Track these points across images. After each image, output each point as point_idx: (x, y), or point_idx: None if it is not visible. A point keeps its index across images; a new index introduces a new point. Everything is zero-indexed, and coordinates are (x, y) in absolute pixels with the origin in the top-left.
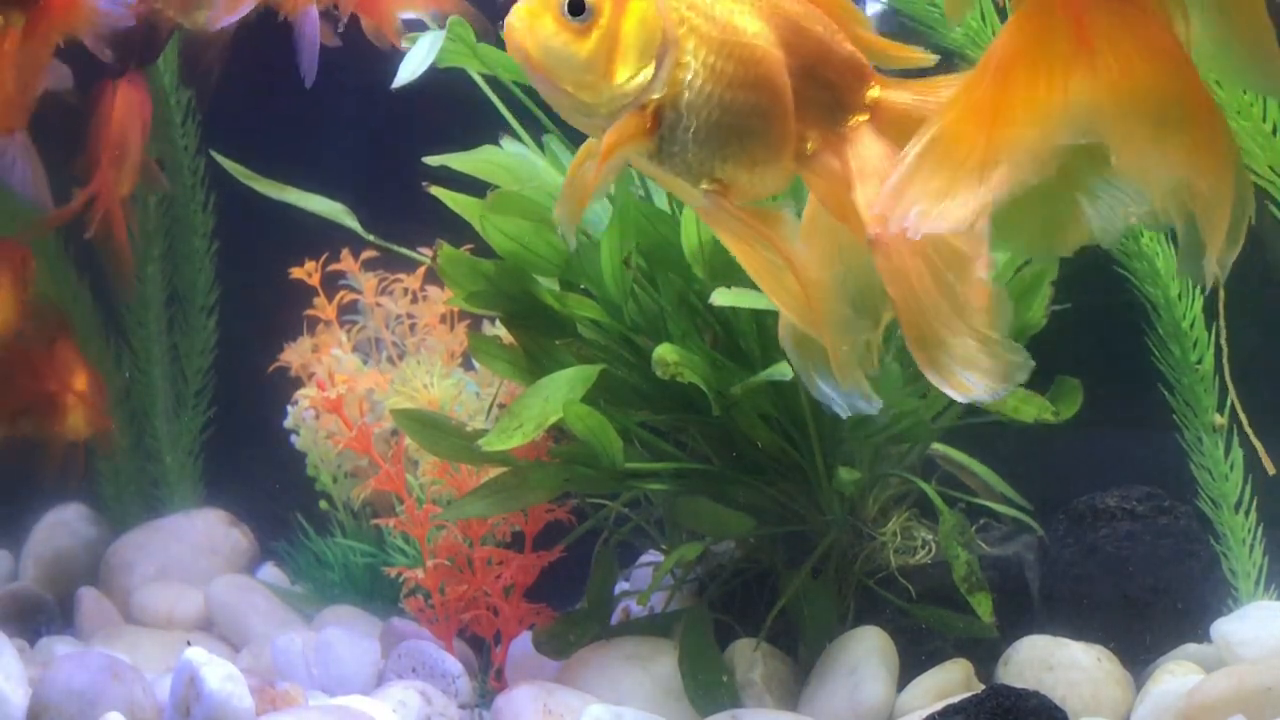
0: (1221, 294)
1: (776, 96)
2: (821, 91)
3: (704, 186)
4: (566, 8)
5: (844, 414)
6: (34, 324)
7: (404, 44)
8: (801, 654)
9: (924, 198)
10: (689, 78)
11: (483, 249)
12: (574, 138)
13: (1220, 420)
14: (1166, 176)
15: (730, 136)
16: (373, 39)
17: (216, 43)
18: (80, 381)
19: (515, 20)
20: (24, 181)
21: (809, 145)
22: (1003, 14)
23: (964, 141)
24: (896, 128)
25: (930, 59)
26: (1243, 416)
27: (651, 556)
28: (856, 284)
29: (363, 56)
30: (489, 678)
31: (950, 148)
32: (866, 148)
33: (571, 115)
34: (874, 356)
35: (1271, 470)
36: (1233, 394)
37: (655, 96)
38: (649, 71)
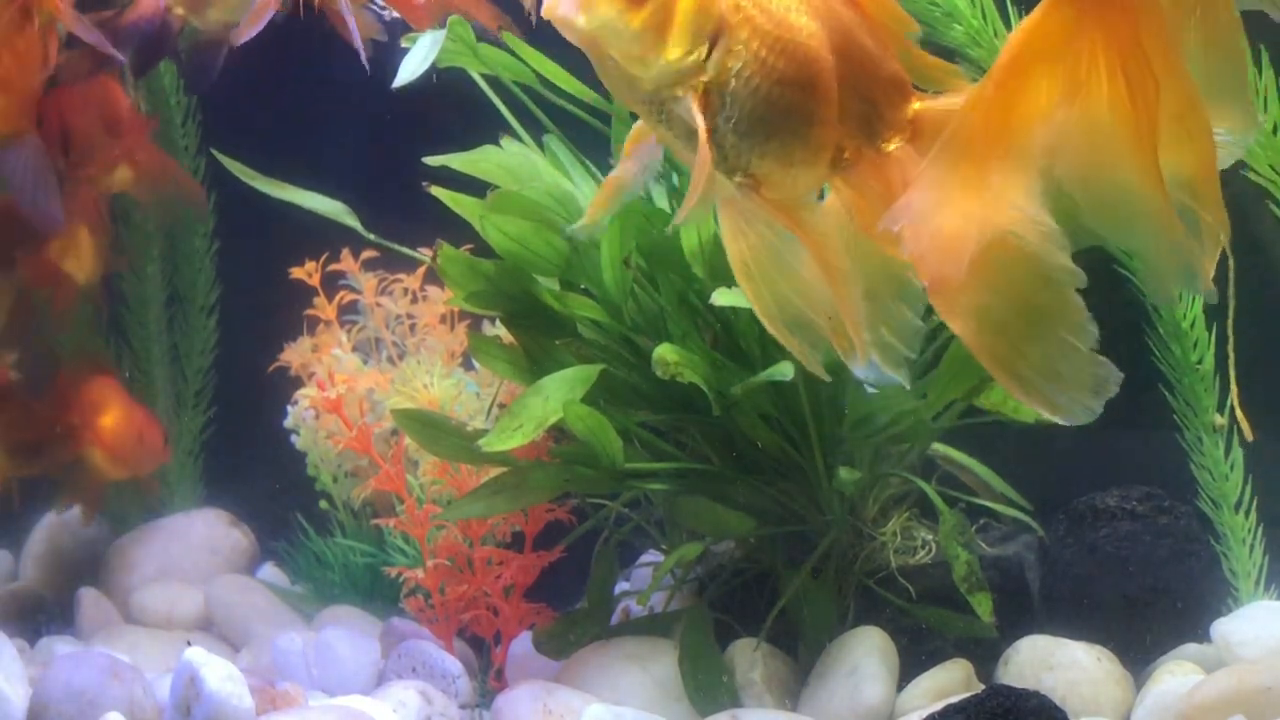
0: (1232, 295)
1: (822, 99)
2: (863, 104)
3: (737, 179)
4: None
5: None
6: (74, 363)
7: (404, 44)
8: (801, 654)
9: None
10: (738, 67)
11: (483, 249)
12: (574, 138)
13: (1220, 420)
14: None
15: (772, 132)
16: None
17: (221, 42)
18: (111, 419)
19: None
20: (37, 185)
21: (845, 155)
22: (1003, 14)
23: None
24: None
25: (966, 82)
26: (1239, 413)
27: (651, 556)
28: (882, 281)
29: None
30: (489, 678)
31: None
32: (912, 173)
33: (617, 87)
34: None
35: (1250, 436)
36: (1234, 394)
37: (703, 79)
38: (701, 53)
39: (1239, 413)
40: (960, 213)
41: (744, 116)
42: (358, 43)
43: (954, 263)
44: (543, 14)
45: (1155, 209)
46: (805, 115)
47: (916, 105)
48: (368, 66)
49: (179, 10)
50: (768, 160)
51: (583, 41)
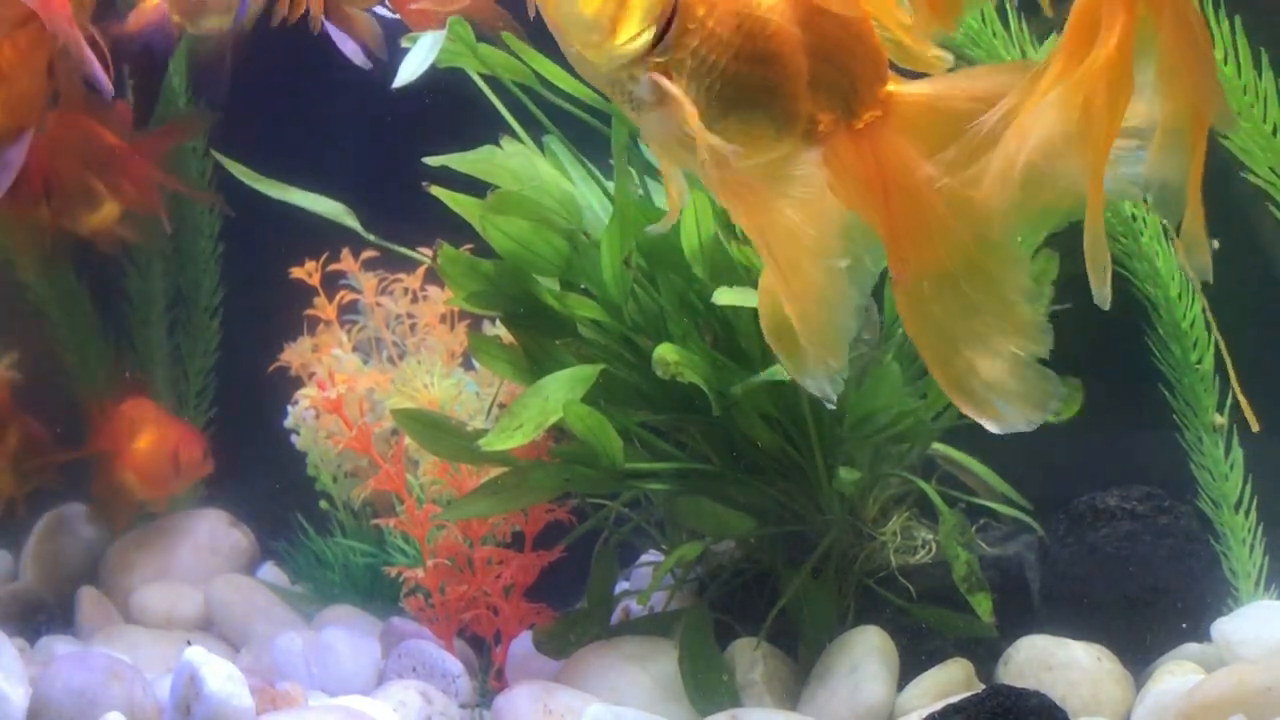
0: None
1: (785, 73)
2: (839, 76)
3: (701, 156)
4: None
5: (829, 400)
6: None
7: (404, 44)
8: (801, 654)
9: None
10: (695, 44)
11: (483, 249)
12: (574, 138)
13: (1220, 420)
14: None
15: (731, 108)
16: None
17: (224, 47)
18: (145, 442)
19: None
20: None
21: (820, 127)
22: (1002, 15)
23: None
24: (911, 124)
25: (947, 62)
26: (1244, 403)
27: (651, 556)
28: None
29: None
30: (489, 678)
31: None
32: (886, 152)
33: (583, 72)
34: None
35: (1256, 427)
36: (1236, 387)
37: (658, 60)
38: (650, 34)
39: (1244, 402)
40: None
41: (704, 92)
42: (349, 50)
43: None
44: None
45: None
46: (768, 89)
47: (891, 86)
48: (368, 65)
49: (176, 18)
50: (729, 136)
51: (547, 16)
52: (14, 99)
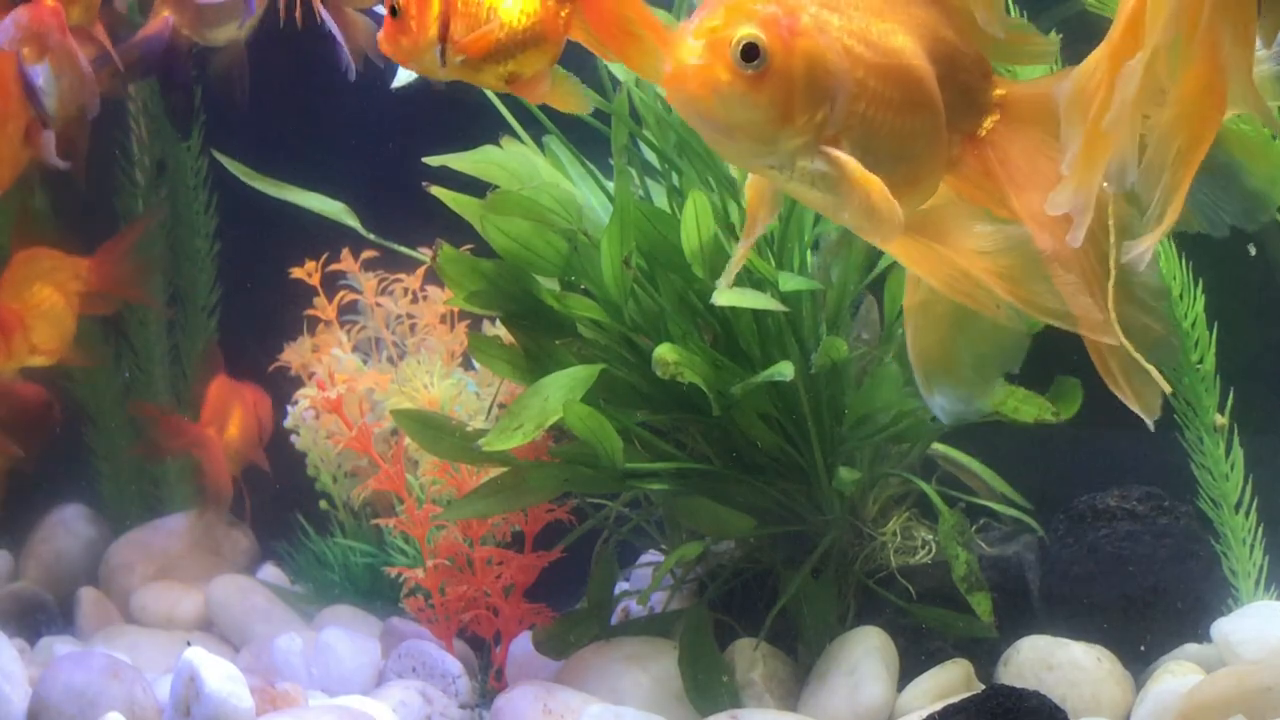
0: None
1: (935, 114)
2: (958, 96)
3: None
4: (740, 56)
5: (946, 420)
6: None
7: None
8: (801, 654)
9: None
10: (861, 108)
11: (483, 249)
12: (574, 138)
13: (1221, 420)
14: None
15: (898, 161)
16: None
17: (236, 54)
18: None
19: (685, 72)
20: None
21: (954, 150)
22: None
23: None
24: (1027, 122)
25: (1053, 46)
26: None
27: (651, 556)
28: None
29: (363, 57)
30: (489, 678)
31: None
32: (1009, 151)
33: (743, 160)
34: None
35: (1222, 422)
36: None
37: (830, 133)
38: (825, 112)
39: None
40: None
41: (870, 151)
42: (343, 57)
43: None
44: (665, 94)
45: None
46: (925, 134)
47: (999, 90)
48: (351, 72)
49: (184, 31)
50: (897, 184)
51: (707, 127)
52: None
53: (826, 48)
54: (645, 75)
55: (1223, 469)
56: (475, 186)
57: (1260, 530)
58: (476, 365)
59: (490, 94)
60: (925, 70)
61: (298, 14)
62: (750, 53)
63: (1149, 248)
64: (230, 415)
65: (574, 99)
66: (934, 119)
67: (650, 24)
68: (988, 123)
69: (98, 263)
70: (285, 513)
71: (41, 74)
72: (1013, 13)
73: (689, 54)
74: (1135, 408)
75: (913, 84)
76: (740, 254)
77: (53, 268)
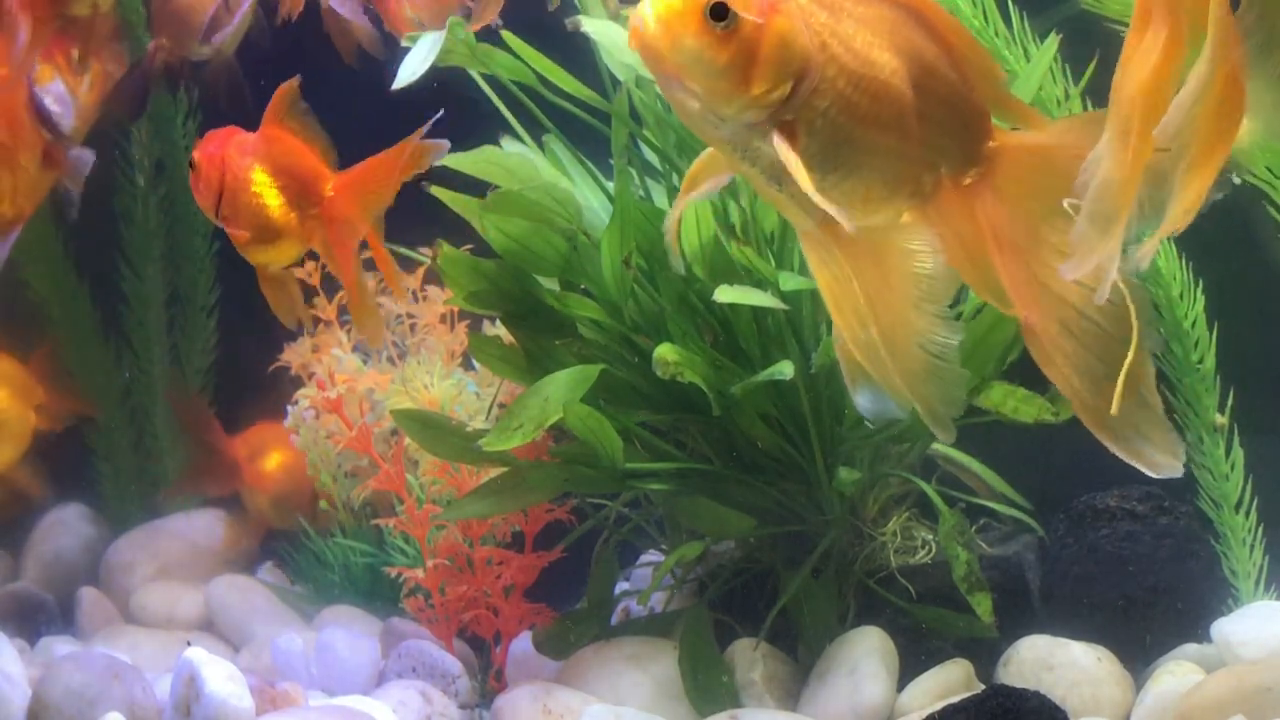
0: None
1: (902, 136)
2: (944, 138)
3: (816, 214)
4: (709, 11)
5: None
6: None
7: (404, 43)
8: (801, 654)
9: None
10: (824, 105)
11: (483, 249)
12: (574, 138)
13: (1221, 420)
14: None
15: (853, 169)
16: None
17: (230, 63)
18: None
19: (650, 17)
20: None
21: (925, 187)
22: (1004, 14)
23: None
24: (1016, 178)
25: (1043, 118)
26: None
27: (651, 556)
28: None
29: (363, 57)
30: (489, 678)
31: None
32: (997, 209)
33: (696, 122)
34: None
35: (1222, 422)
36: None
37: (787, 118)
38: (785, 89)
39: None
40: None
41: (825, 153)
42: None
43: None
44: (629, 44)
45: None
46: (885, 151)
47: (993, 143)
48: (355, 65)
49: (171, 47)
50: (845, 195)
51: (667, 73)
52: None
53: (800, 32)
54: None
55: (1223, 469)
56: (475, 186)
57: (1260, 530)
58: (476, 365)
59: (490, 94)
60: (901, 93)
61: (296, 7)
62: (719, 11)
63: (1152, 250)
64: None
65: (372, 329)
66: (900, 142)
67: (383, 260)
68: (972, 173)
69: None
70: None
71: (52, 94)
72: (1013, 13)
73: (661, 3)
74: (1151, 466)
75: (884, 100)
76: (674, 214)
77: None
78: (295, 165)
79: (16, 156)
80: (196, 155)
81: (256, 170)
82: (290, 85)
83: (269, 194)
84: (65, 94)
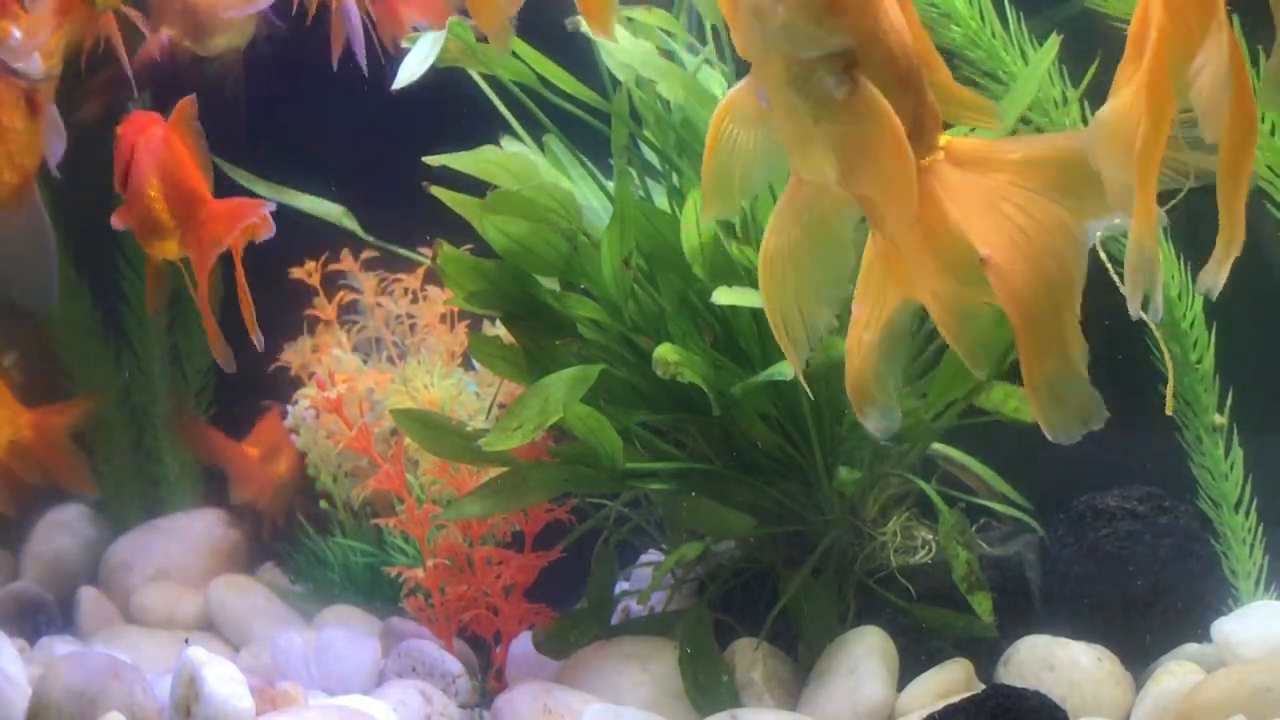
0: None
1: (904, 96)
2: (913, 121)
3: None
4: None
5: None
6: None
7: (404, 44)
8: (801, 654)
9: None
10: (877, 55)
11: (483, 249)
12: (574, 138)
13: (1220, 420)
14: None
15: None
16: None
17: (235, 65)
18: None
19: None
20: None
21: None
22: (1001, 15)
23: None
24: (970, 166)
25: (1000, 120)
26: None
27: (651, 556)
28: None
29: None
30: (489, 678)
31: None
32: (950, 177)
33: (773, 36)
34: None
35: (1221, 422)
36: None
37: (843, 60)
38: (867, 24)
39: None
40: None
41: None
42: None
43: None
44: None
45: None
46: (904, 114)
47: (944, 139)
48: (365, 67)
49: (185, 43)
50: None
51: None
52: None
53: None
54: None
55: (1222, 469)
56: (475, 186)
57: (1260, 530)
58: (476, 365)
59: (490, 94)
60: (915, 64)
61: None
62: None
63: (1225, 271)
64: (280, 452)
65: (221, 353)
66: (903, 103)
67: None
68: (929, 159)
69: (41, 419)
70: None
71: (10, 47)
72: (1010, 14)
73: None
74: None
75: (909, 65)
76: (708, 173)
77: None
78: (184, 177)
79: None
80: (119, 130)
81: (154, 170)
82: (190, 100)
83: (157, 194)
84: (25, 41)
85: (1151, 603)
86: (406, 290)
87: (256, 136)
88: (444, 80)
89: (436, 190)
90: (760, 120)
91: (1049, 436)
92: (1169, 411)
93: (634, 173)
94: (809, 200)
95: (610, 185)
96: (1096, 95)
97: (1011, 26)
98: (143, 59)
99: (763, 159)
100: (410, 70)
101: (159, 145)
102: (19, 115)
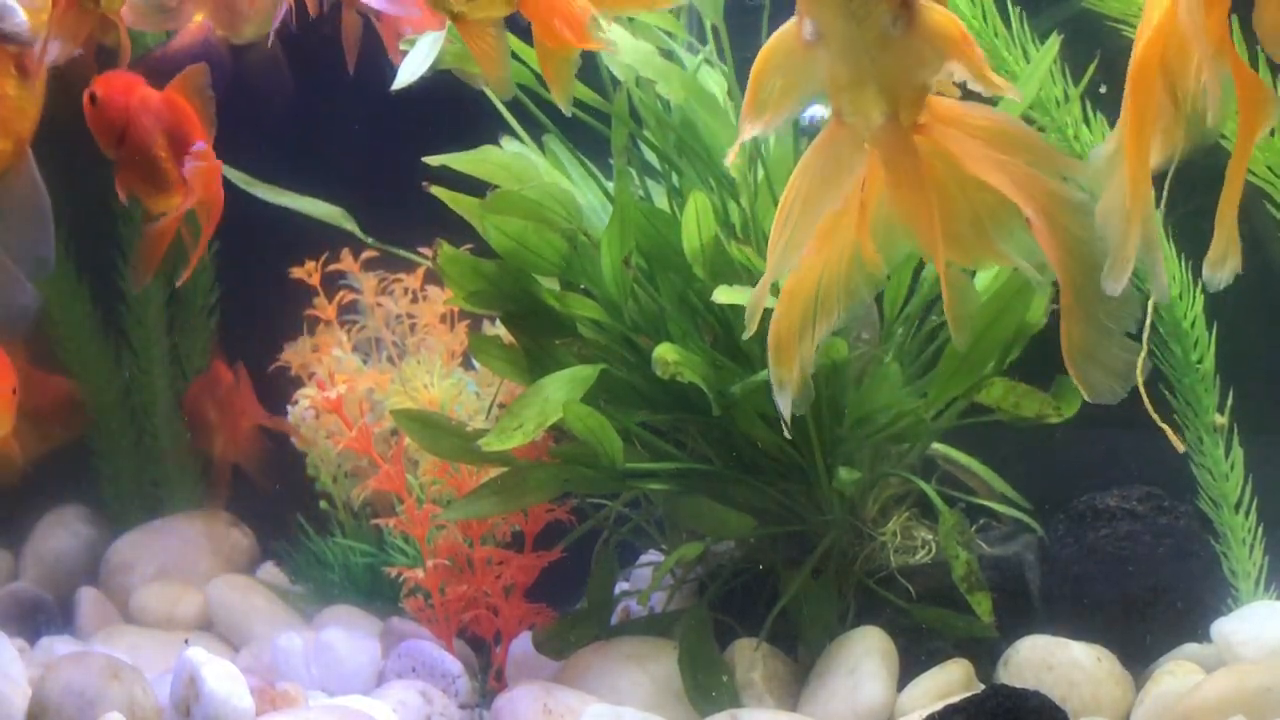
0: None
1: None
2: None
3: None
4: None
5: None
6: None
7: (403, 46)
8: (801, 654)
9: None
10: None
11: (483, 249)
12: (574, 138)
13: (1220, 420)
14: None
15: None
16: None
17: (275, 49)
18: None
19: None
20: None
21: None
22: (1003, 14)
23: None
24: (955, 124)
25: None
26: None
27: (651, 556)
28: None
29: (364, 57)
30: (489, 678)
31: None
32: (948, 136)
33: None
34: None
35: (1221, 422)
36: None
37: None
38: None
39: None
40: None
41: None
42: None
43: None
44: None
45: None
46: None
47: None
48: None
49: (219, 31)
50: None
51: None
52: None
53: None
54: None
55: (1222, 469)
56: (475, 186)
57: (1260, 530)
58: (476, 365)
59: (490, 94)
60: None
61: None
62: None
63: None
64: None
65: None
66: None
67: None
68: (923, 116)
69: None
70: (285, 512)
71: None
72: (1012, 13)
73: None
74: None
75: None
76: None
77: None
78: (187, 128)
79: None
80: (99, 92)
81: (155, 123)
82: (201, 68)
83: (163, 150)
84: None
85: (1151, 603)
86: (406, 290)
87: (258, 134)
88: (444, 80)
89: (437, 190)
90: (805, 57)
91: (1088, 397)
92: (1180, 449)
93: (634, 173)
94: (845, 144)
95: (610, 185)
96: (1096, 94)
97: (1014, 26)
98: (184, 47)
99: (800, 93)
100: (409, 71)
101: (158, 100)
102: (9, 81)
